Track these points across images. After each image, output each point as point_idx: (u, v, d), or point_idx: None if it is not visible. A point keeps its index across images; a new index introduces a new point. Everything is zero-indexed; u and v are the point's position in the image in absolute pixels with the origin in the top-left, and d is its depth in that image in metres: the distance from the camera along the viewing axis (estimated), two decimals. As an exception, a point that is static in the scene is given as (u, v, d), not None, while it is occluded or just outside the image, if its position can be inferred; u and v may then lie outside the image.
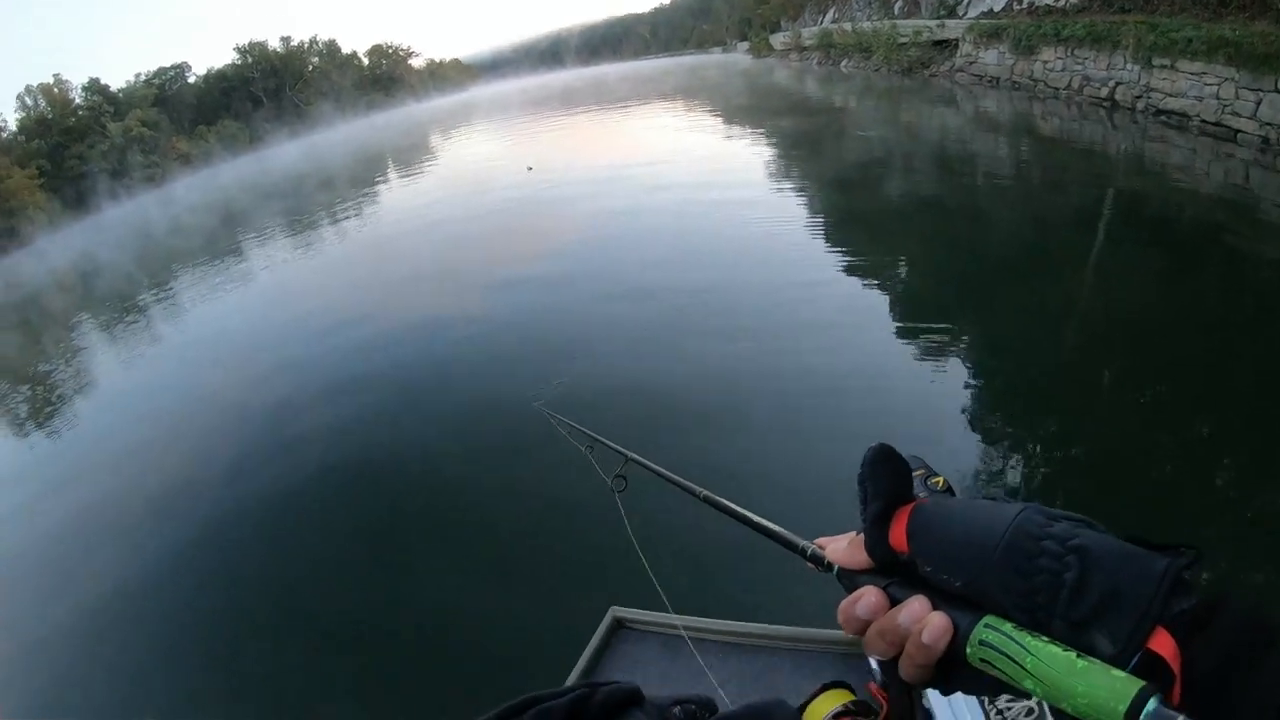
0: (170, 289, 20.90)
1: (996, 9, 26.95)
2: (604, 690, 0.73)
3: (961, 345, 8.35)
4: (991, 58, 25.05)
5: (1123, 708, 0.45)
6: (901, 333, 8.80)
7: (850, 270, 11.00)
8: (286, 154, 62.44)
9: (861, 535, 0.67)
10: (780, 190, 17.00)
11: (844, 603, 0.65)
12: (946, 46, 29.38)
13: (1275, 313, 7.99)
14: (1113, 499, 5.34)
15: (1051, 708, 0.51)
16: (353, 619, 5.61)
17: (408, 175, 34.78)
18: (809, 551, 0.77)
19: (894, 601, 0.62)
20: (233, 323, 15.60)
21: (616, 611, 3.53)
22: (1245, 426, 6.04)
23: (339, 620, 5.64)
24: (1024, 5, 25.20)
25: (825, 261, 11.66)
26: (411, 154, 43.56)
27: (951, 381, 7.54)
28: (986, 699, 2.44)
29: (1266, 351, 7.09)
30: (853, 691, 1.57)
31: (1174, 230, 11.11)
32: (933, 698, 2.41)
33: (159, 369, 14.01)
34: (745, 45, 71.54)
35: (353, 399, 9.43)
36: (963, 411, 6.93)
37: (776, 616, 3.30)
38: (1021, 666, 0.51)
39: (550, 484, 6.24)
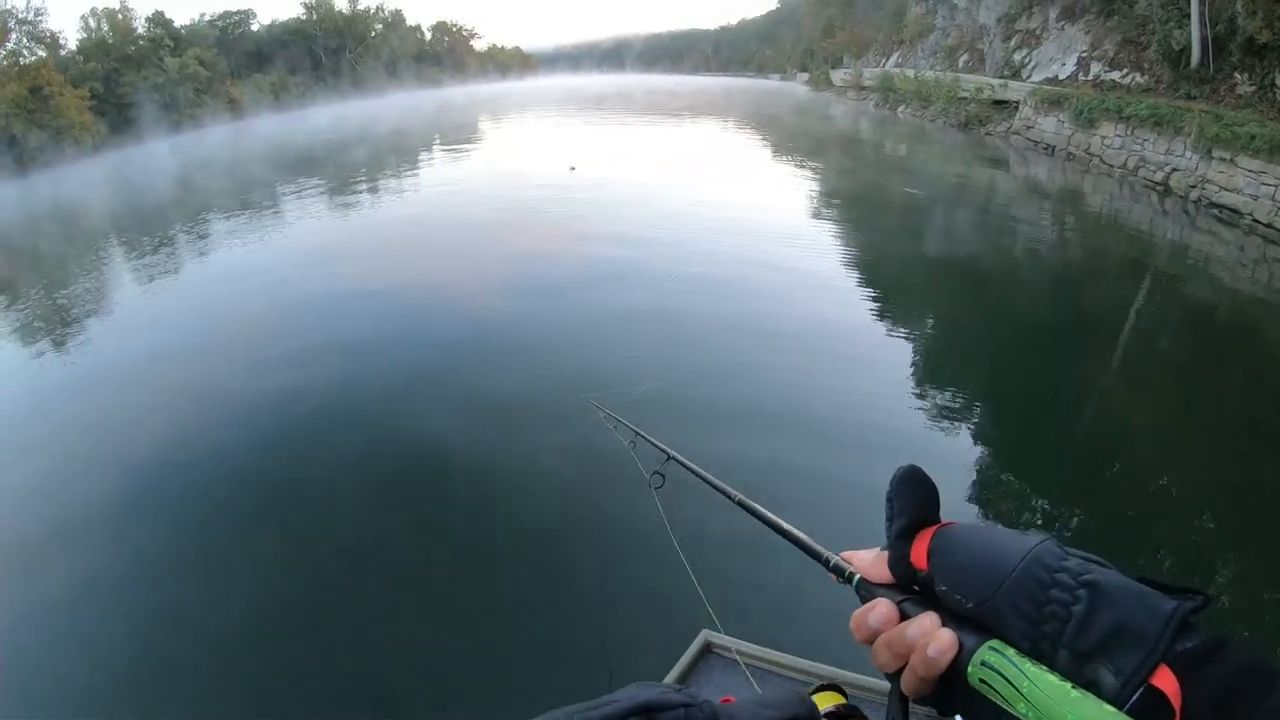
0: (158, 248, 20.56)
1: (1061, 76, 26.75)
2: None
3: (974, 402, 8.32)
4: (1050, 125, 24.84)
5: None
6: (924, 381, 8.73)
7: (878, 315, 10.97)
8: (341, 115, 62.60)
9: (886, 551, 0.70)
10: (817, 227, 16.92)
11: (857, 612, 0.67)
12: (1006, 107, 29.23)
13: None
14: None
15: None
16: (385, 621, 5.31)
17: (452, 156, 34.78)
18: (832, 562, 0.78)
19: (904, 616, 0.64)
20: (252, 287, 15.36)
21: (709, 636, 3.42)
22: (1244, 524, 6.04)
23: (373, 620, 5.32)
24: (1089, 77, 25.01)
25: (857, 303, 11.61)
26: (460, 134, 43.71)
27: (962, 435, 7.55)
28: None
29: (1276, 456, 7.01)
30: (844, 695, 1.65)
31: (1205, 325, 10.99)
32: None
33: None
34: (804, 76, 71.30)
35: (399, 384, 9.06)
36: (970, 463, 6.95)
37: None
38: (1017, 690, 0.53)
39: (592, 480, 6.32)
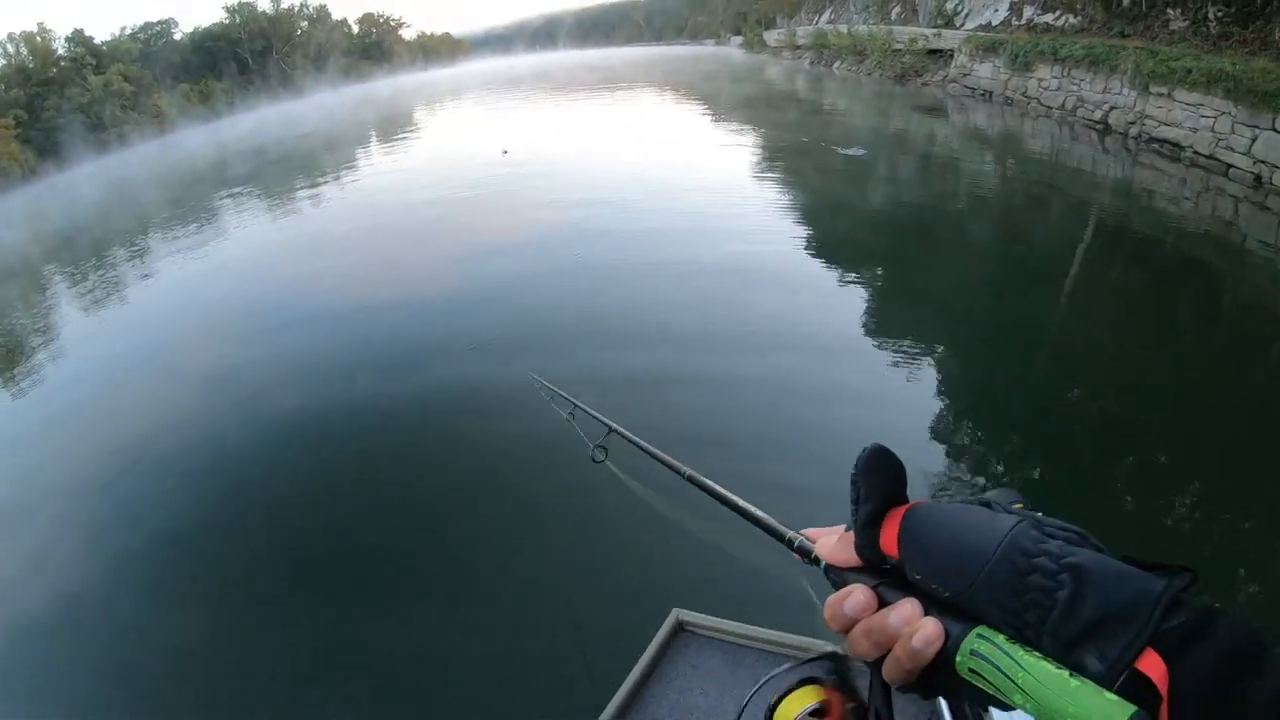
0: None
1: (995, 22, 26.89)
2: None
3: (932, 361, 8.22)
4: (986, 71, 24.96)
5: None
6: (878, 343, 8.65)
7: (827, 278, 10.85)
8: (262, 120, 61.39)
9: (850, 533, 0.67)
10: (761, 195, 16.76)
11: (831, 598, 0.64)
12: (941, 56, 29.31)
13: (1246, 348, 8.04)
14: (1087, 514, 5.22)
15: None
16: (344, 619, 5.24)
17: (389, 152, 34.15)
18: (796, 542, 0.76)
19: (883, 602, 0.62)
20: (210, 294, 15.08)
21: (680, 614, 3.40)
22: (1207, 453, 6.10)
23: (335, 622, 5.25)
24: (1023, 21, 25.17)
25: (804, 268, 11.46)
26: (395, 125, 42.99)
27: (927, 395, 7.48)
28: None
29: (1234, 385, 7.13)
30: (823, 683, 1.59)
31: (1154, 260, 11.10)
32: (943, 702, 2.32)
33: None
34: (738, 39, 71.18)
35: (337, 374, 9.09)
36: (937, 425, 6.89)
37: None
38: (1012, 680, 0.51)
39: (544, 460, 6.13)
